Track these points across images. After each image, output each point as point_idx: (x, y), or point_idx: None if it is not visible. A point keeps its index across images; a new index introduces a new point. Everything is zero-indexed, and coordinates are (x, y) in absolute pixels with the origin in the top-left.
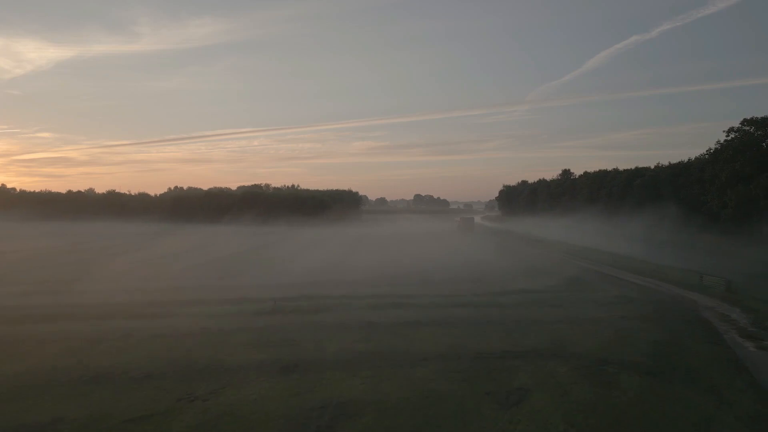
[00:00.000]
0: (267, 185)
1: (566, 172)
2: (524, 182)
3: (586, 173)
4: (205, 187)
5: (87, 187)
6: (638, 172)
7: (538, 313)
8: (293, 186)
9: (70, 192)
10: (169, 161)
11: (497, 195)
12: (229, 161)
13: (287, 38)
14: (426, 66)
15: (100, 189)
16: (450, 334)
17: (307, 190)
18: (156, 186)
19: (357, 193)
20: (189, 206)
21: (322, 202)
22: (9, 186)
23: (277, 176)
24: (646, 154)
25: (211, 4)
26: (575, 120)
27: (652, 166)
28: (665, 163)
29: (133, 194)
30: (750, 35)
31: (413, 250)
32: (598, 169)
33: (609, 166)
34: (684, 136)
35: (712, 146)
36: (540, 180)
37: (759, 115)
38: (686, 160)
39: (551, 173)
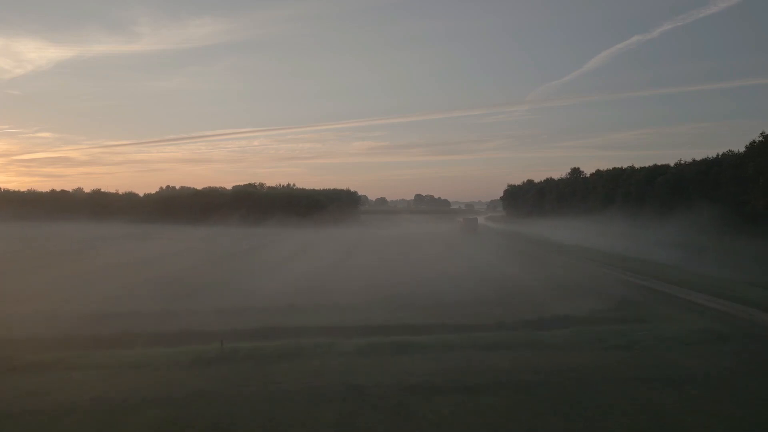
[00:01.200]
0: (261, 184)
1: (575, 171)
2: (530, 181)
3: (598, 171)
4: (202, 187)
5: (89, 187)
6: (658, 170)
7: (604, 363)
8: (288, 185)
9: (53, 191)
10: (169, 161)
11: (502, 195)
12: (229, 161)
13: (287, 38)
14: (426, 66)
15: (101, 189)
16: (482, 411)
17: (303, 190)
18: (155, 186)
19: (355, 192)
20: (178, 206)
21: (318, 201)
22: (3, 187)
23: (277, 176)
24: (646, 154)
25: (211, 4)
26: (575, 120)
27: (672, 164)
28: (661, 162)
29: (120, 194)
30: (750, 35)
31: (417, 259)
32: (612, 167)
33: (609, 166)
34: (684, 136)
35: (756, 138)
36: (548, 179)
37: (759, 115)
38: (715, 155)
39: (552, 173)
